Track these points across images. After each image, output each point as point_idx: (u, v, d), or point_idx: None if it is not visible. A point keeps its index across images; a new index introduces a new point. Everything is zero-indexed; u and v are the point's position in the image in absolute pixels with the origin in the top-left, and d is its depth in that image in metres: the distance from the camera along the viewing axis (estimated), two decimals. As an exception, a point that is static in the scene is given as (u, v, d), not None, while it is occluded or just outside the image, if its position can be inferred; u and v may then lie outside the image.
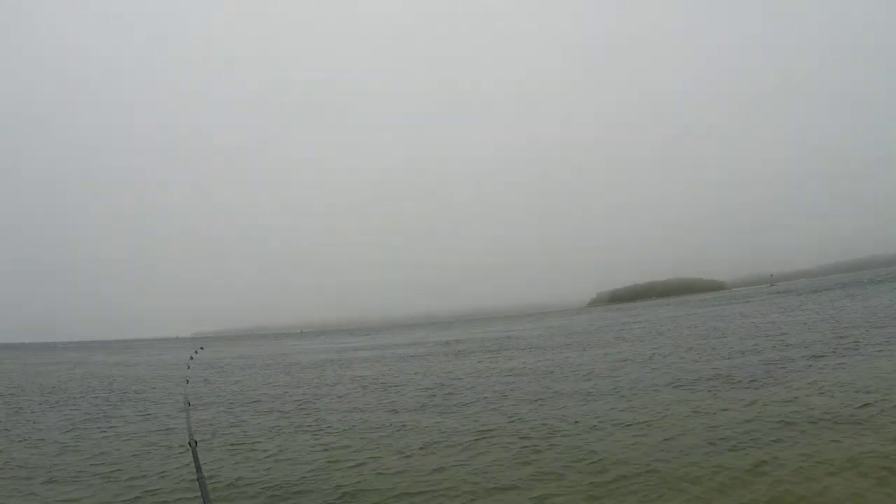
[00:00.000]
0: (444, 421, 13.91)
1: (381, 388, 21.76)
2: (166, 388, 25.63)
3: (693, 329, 37.86)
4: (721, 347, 24.54)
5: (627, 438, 10.99)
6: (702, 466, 8.91)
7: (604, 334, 43.95)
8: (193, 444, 4.35)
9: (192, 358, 10.64)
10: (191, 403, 6.17)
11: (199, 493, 3.50)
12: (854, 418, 10.62)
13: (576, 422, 12.69)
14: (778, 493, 7.71)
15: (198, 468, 3.89)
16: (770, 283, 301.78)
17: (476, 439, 11.75)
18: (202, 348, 14.91)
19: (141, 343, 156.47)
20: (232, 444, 12.62)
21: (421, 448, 11.39)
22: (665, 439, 10.57)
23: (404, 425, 13.86)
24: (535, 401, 15.84)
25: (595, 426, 12.18)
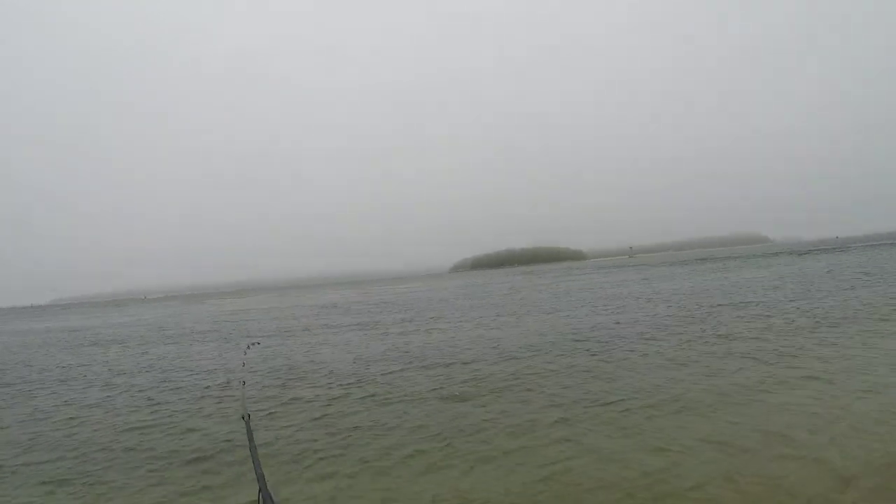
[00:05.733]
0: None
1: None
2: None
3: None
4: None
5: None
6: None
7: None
8: (247, 418, 4.31)
9: (249, 347, 9.85)
10: (245, 382, 5.58)
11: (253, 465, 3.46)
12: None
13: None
14: None
15: (250, 440, 3.85)
16: (629, 254, 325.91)
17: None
18: (258, 343, 14.58)
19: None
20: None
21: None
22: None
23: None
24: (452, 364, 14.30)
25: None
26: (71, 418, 11.34)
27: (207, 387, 13.54)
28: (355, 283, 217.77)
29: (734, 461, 6.53)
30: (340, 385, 12.52)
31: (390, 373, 13.58)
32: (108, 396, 13.34)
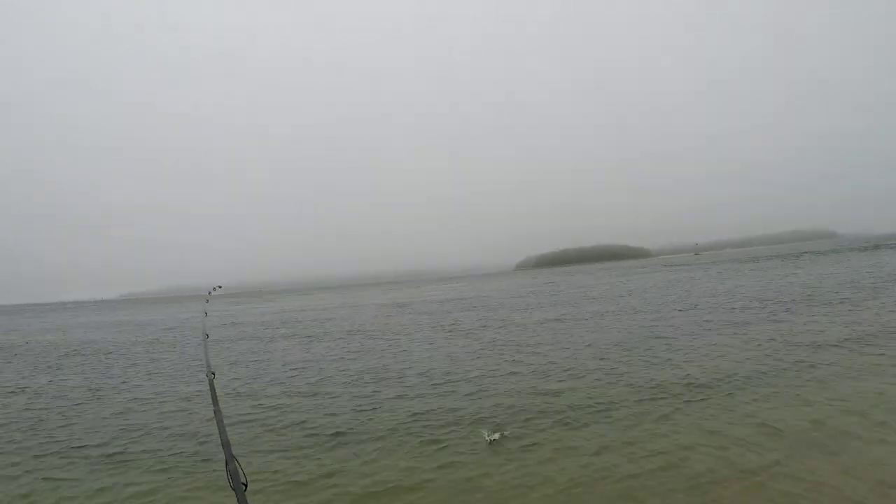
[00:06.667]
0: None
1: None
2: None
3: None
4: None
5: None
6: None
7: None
8: (211, 377, 4.21)
9: (210, 293, 10.87)
10: (209, 335, 5.67)
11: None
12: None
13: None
14: None
15: (214, 400, 3.73)
16: (695, 252, 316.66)
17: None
18: (220, 286, 13.40)
19: (69, 306, 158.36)
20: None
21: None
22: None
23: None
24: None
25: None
26: (181, 410, 11.96)
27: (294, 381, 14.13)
28: (416, 281, 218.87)
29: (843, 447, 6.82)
30: (435, 384, 12.83)
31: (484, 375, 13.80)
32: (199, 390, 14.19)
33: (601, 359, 14.18)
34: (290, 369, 16.49)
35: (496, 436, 8.28)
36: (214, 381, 4.16)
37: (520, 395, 11.04)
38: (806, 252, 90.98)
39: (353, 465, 7.78)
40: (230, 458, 2.81)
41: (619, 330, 19.35)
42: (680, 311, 23.69)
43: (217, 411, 3.50)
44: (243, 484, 2.70)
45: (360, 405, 11.19)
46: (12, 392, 15.37)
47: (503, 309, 34.47)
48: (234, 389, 13.85)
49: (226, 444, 3.00)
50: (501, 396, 11.05)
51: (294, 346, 22.12)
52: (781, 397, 9.28)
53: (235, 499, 2.64)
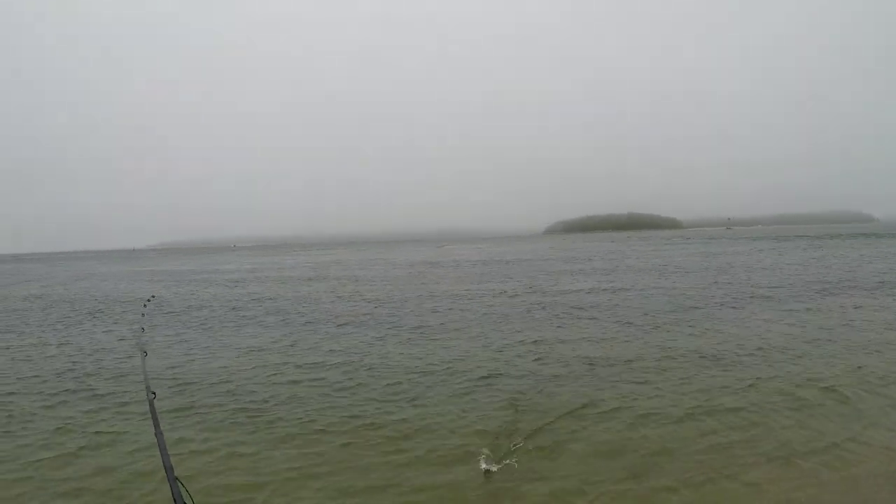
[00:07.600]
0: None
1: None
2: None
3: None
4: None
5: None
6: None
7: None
8: (151, 398, 3.82)
9: (145, 305, 10.32)
10: (147, 353, 5.19)
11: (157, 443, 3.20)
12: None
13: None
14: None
15: (155, 423, 3.42)
16: (727, 226, 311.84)
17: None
18: (153, 297, 16.10)
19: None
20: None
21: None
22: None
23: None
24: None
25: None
26: (252, 364, 11.85)
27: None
28: (443, 240, 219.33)
29: None
30: (498, 349, 12.28)
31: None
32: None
33: (655, 328, 13.74)
34: (337, 325, 16.11)
35: (498, 465, 6.01)
36: (155, 401, 3.87)
37: (584, 360, 10.58)
38: (842, 234, 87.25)
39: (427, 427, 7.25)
40: (173, 482, 2.71)
41: (669, 300, 18.66)
42: (728, 284, 22.94)
43: (159, 434, 3.30)
44: None
45: (419, 367, 10.59)
46: (52, 344, 14.83)
47: (542, 273, 34.00)
48: (279, 355, 13.52)
49: (168, 468, 2.87)
50: (566, 362, 10.55)
51: (336, 303, 21.75)
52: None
53: None
